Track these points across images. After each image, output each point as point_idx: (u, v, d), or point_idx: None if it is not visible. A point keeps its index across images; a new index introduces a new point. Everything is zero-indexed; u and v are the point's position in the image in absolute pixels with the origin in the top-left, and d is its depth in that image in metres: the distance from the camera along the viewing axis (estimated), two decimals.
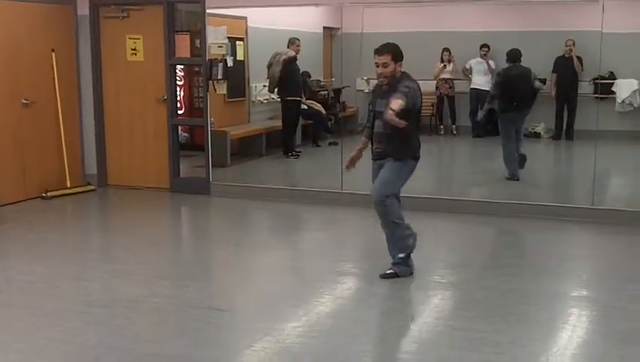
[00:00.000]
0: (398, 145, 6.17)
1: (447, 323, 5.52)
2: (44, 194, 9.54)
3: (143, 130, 10.09)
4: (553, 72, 12.53)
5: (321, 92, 13.50)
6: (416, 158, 6.30)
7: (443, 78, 13.43)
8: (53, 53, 9.69)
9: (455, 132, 13.72)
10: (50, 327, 5.31)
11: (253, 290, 6.28)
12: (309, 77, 12.83)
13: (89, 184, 10.17)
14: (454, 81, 13.59)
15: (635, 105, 12.68)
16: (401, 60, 6.26)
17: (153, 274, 6.57)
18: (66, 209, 9.41)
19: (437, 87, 13.45)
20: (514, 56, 10.07)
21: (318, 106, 12.80)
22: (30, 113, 9.48)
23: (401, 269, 6.28)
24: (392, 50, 6.23)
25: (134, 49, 9.94)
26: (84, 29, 10.07)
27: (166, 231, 8.61)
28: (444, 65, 13.31)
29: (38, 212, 9.05)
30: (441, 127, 13.82)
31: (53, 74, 9.72)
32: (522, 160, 10.01)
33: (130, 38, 9.96)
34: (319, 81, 13.56)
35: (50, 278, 6.45)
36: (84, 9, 10.02)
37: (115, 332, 5.21)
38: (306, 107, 12.49)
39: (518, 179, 9.85)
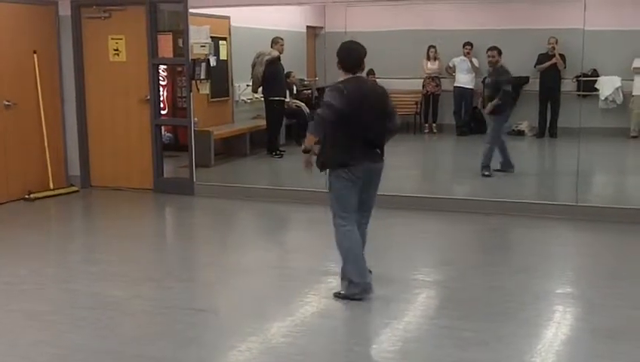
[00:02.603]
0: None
1: (432, 321, 5.53)
2: (27, 196, 9.48)
3: (126, 131, 10.05)
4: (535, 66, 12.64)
5: (305, 91, 13.50)
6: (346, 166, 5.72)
7: (430, 76, 13.45)
8: (34, 55, 9.63)
9: (435, 130, 13.75)
10: (35, 330, 5.28)
11: (238, 291, 6.26)
12: (288, 77, 12.77)
13: (72, 185, 10.11)
14: (440, 79, 13.63)
15: (618, 102, 12.76)
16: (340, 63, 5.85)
17: (138, 276, 6.54)
18: (50, 210, 9.35)
19: (423, 85, 13.47)
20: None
21: (302, 106, 12.79)
22: (12, 115, 9.42)
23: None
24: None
25: (117, 49, 9.90)
26: (65, 30, 10.02)
27: (150, 232, 8.58)
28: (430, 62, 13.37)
29: (22, 214, 9.00)
30: (426, 125, 13.86)
31: (35, 75, 9.66)
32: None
33: (112, 39, 9.91)
34: (303, 80, 13.56)
35: (34, 280, 6.41)
36: (65, 10, 9.96)
37: (99, 334, 5.19)
38: (293, 106, 12.51)
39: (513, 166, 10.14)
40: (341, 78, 5.82)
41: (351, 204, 5.79)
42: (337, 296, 5.83)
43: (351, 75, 5.77)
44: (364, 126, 5.67)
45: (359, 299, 5.70)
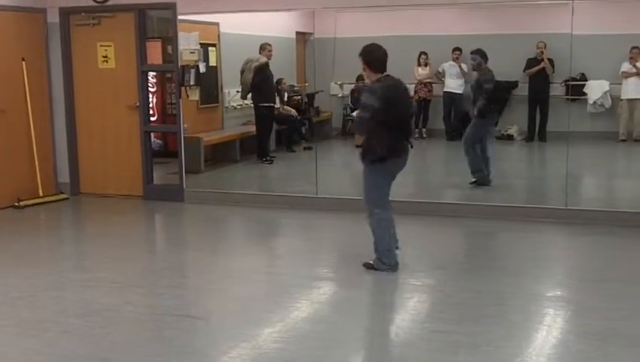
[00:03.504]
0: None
1: (423, 325, 5.53)
2: (16, 204, 9.45)
3: (116, 138, 10.03)
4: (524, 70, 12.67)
5: (295, 97, 13.51)
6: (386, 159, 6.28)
7: (421, 82, 13.47)
8: (23, 62, 9.60)
9: (425, 135, 13.77)
10: (25, 338, 5.25)
11: (229, 297, 6.25)
12: (279, 84, 12.81)
13: (62, 193, 10.09)
14: (432, 85, 13.65)
15: (607, 106, 12.82)
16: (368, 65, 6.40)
17: (128, 283, 6.53)
18: (39, 218, 9.33)
19: (415, 91, 13.49)
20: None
21: (293, 112, 12.82)
22: (1, 122, 9.39)
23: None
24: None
25: (105, 56, 9.88)
26: (54, 37, 10.00)
27: (140, 238, 8.56)
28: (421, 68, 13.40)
29: (11, 221, 8.97)
30: (417, 130, 13.87)
31: (24, 82, 9.64)
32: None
33: (101, 46, 9.90)
34: (293, 86, 13.57)
35: (24, 288, 6.37)
36: (54, 17, 9.95)
37: (90, 342, 5.17)
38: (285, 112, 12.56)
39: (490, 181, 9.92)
40: (368, 81, 6.43)
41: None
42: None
43: (381, 75, 6.30)
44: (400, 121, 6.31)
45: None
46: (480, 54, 9.83)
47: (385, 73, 6.34)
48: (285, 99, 12.99)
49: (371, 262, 6.51)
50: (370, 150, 6.24)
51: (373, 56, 6.37)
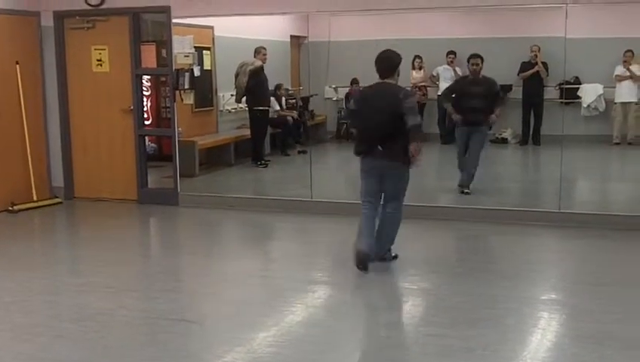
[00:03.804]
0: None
1: (417, 329, 5.54)
2: (10, 208, 9.43)
3: (110, 142, 10.02)
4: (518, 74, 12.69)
5: (290, 100, 13.52)
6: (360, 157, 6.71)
7: (417, 86, 13.48)
8: (17, 65, 9.59)
9: None
10: (18, 342, 5.24)
11: (223, 300, 6.24)
12: (279, 89, 12.85)
13: (56, 196, 10.07)
14: (427, 88, 13.66)
15: (601, 109, 12.84)
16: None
17: (122, 287, 6.52)
18: (34, 222, 9.31)
19: None
20: None
21: (292, 115, 12.85)
22: None
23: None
24: None
25: (100, 60, 9.88)
26: (48, 41, 9.99)
27: (135, 242, 8.55)
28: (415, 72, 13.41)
29: (5, 225, 8.95)
30: None
31: (18, 86, 9.62)
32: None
33: (95, 49, 9.89)
34: (288, 89, 13.58)
35: (18, 292, 6.36)
36: (48, 20, 9.93)
37: (84, 347, 5.16)
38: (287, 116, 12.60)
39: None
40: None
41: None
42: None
43: (377, 81, 6.62)
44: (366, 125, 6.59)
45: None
46: (481, 59, 9.61)
47: (385, 80, 6.59)
48: (284, 104, 12.99)
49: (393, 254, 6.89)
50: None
51: (375, 62, 6.67)
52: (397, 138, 6.41)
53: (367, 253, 6.48)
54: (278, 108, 12.66)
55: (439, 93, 13.34)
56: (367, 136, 6.60)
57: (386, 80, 6.58)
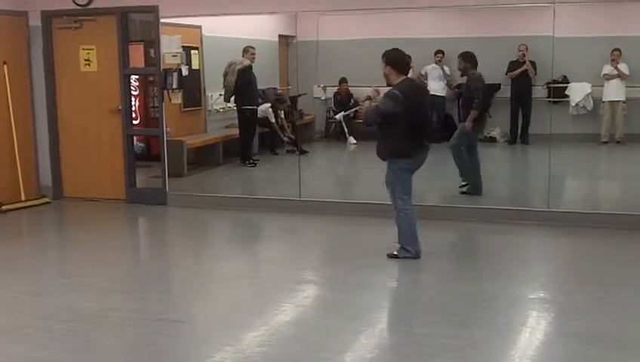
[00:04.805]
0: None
1: (407, 328, 5.54)
2: None
3: (98, 141, 9.99)
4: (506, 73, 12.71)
5: (288, 120, 13.47)
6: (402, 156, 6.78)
7: None
8: (5, 65, 9.55)
9: None
10: (8, 344, 5.21)
11: (213, 300, 6.24)
12: (280, 102, 12.90)
13: (44, 196, 10.03)
14: None
15: (589, 108, 12.90)
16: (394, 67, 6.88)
17: (111, 287, 6.49)
18: (22, 222, 9.28)
19: None
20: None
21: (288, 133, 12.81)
22: None
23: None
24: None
25: (88, 59, 9.84)
26: (36, 41, 9.95)
27: (123, 242, 8.53)
28: None
29: None
30: None
31: (6, 86, 9.59)
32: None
33: (83, 49, 9.86)
34: (276, 89, 13.57)
35: (6, 293, 6.34)
36: (36, 20, 9.90)
37: (73, 347, 5.14)
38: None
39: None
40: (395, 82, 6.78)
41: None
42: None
43: (404, 77, 6.81)
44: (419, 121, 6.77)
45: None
46: (466, 58, 9.54)
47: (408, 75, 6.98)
48: (282, 117, 12.89)
49: (395, 252, 6.97)
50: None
51: (400, 59, 6.99)
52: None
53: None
54: (273, 120, 12.56)
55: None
56: (427, 131, 6.92)
57: (408, 76, 6.91)
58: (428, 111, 6.97)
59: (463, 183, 9.59)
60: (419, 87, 6.96)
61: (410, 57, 12.58)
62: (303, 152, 11.80)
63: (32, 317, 5.80)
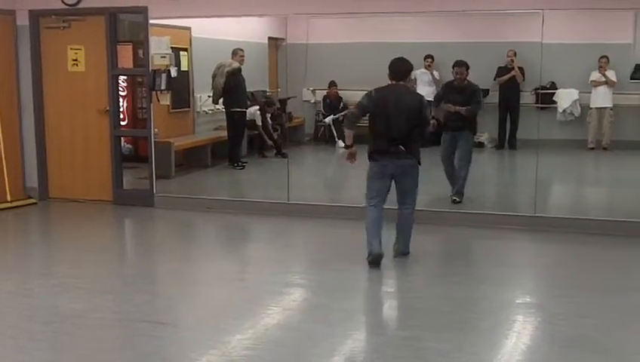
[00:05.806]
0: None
1: (393, 332, 5.54)
2: None
3: (85, 142, 9.94)
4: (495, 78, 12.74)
5: (276, 124, 13.45)
6: (374, 160, 6.90)
7: None
8: None
9: None
10: None
11: (199, 303, 6.22)
12: (268, 105, 12.89)
13: (30, 197, 9.98)
14: None
15: (576, 114, 12.97)
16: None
17: (96, 289, 6.47)
18: (7, 223, 9.22)
19: None
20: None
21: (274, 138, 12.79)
22: None
23: None
24: None
25: (76, 60, 9.80)
26: (24, 40, 9.90)
27: (110, 244, 8.49)
28: None
29: None
30: None
31: None
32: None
33: (71, 49, 9.81)
34: (265, 91, 13.56)
35: None
36: (23, 19, 9.85)
37: (57, 349, 5.12)
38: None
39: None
40: None
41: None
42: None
43: (389, 83, 6.96)
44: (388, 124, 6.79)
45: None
46: (467, 67, 9.31)
47: (399, 82, 7.00)
48: (269, 121, 12.85)
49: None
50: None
51: (390, 66, 7.07)
52: (416, 138, 6.93)
53: (382, 254, 6.85)
54: (260, 123, 12.54)
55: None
56: (391, 137, 6.81)
57: (400, 82, 6.95)
58: (404, 116, 6.77)
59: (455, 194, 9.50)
60: (400, 92, 6.88)
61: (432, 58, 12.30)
62: (281, 154, 11.79)
63: (15, 318, 5.78)
